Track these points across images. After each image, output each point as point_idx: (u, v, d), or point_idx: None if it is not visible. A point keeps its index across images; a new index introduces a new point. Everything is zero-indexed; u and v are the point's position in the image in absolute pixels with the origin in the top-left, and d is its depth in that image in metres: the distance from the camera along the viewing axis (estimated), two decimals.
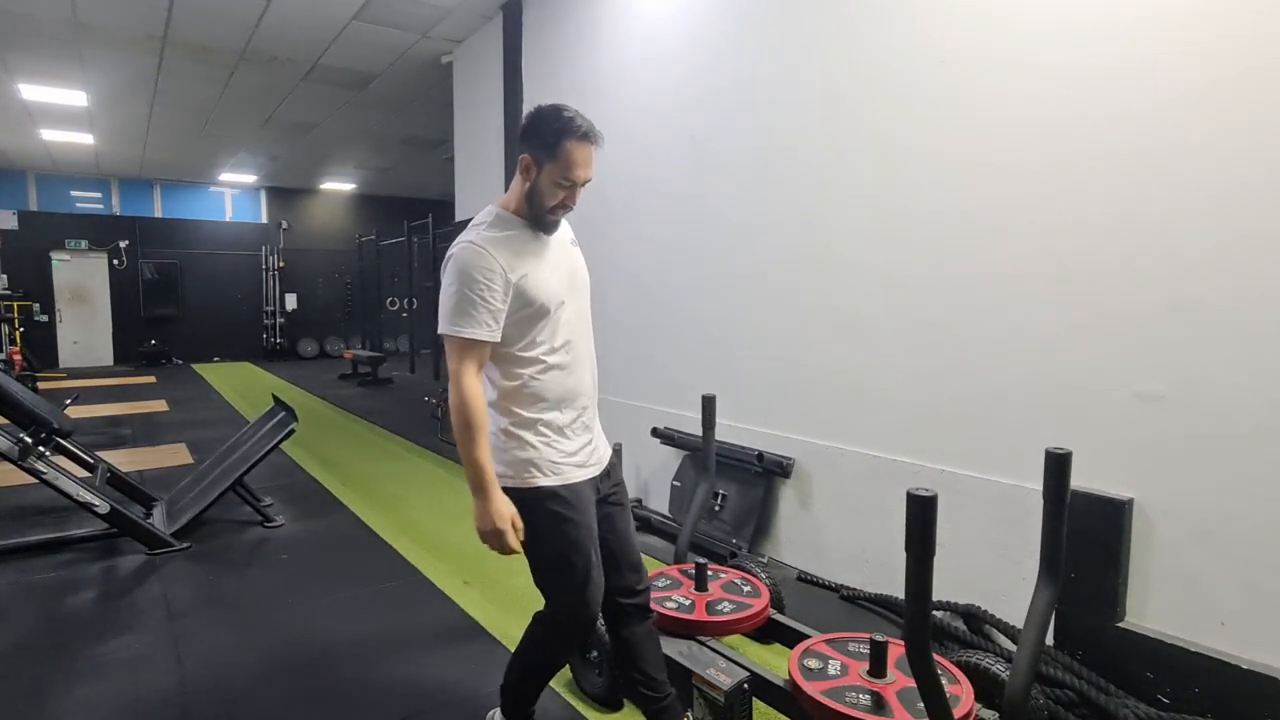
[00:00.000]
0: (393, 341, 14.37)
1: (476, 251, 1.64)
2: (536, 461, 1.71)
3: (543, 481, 1.71)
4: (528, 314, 1.69)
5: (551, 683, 2.35)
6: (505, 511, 1.65)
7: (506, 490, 1.70)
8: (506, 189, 1.79)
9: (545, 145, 1.66)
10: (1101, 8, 2.26)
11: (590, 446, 1.82)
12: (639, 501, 4.32)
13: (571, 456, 1.76)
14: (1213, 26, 2.03)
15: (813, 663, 1.98)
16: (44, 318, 12.49)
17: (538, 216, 1.73)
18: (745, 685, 1.99)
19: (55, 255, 12.63)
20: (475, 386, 1.64)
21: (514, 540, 1.65)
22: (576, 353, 1.78)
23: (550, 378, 1.73)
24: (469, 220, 1.77)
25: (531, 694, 1.96)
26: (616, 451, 4.18)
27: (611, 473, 1.91)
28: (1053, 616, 1.80)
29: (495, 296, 1.63)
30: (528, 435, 1.72)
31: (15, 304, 11.56)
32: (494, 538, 1.65)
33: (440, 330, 1.67)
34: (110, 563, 3.48)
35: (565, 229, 1.89)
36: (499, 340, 1.67)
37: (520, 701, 1.95)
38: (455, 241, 1.71)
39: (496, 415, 1.74)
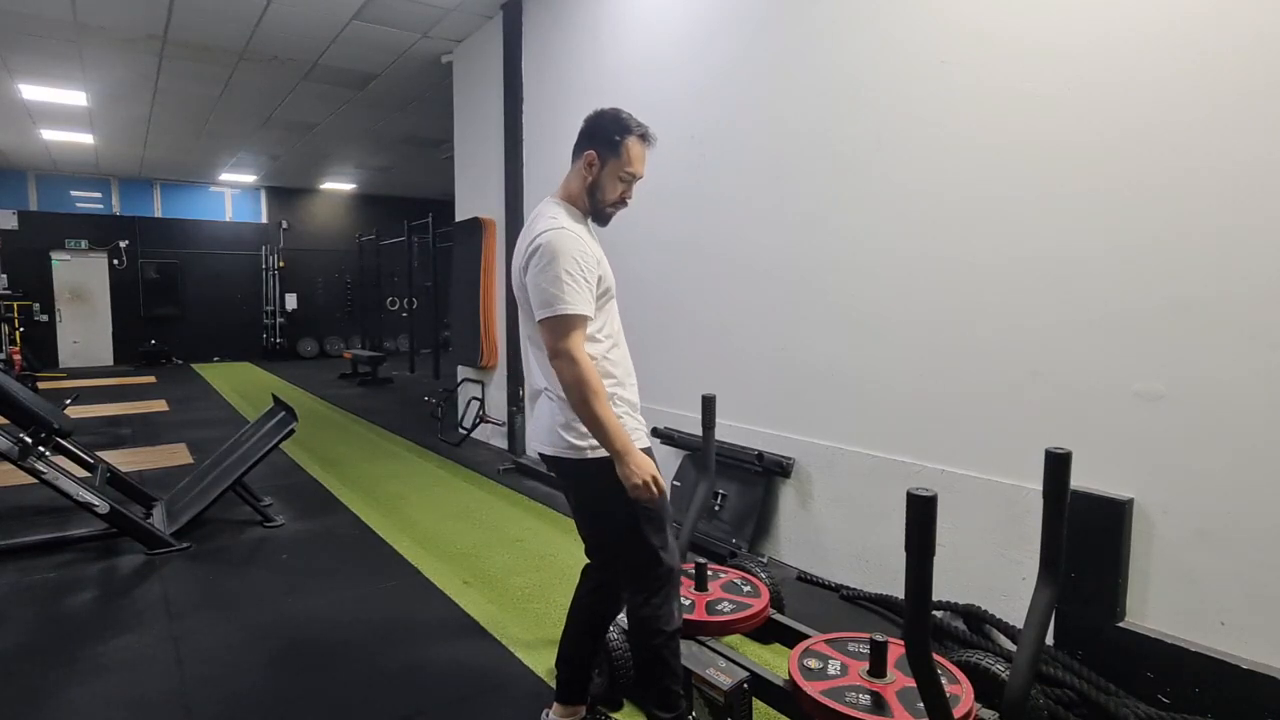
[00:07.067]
0: (393, 341, 14.38)
1: (576, 237, 1.74)
2: None
3: None
4: (602, 297, 1.80)
5: (551, 682, 2.36)
6: (650, 463, 1.71)
7: (589, 461, 1.76)
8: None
9: (609, 142, 1.80)
10: None
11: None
12: None
13: (640, 428, 1.85)
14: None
15: (812, 663, 1.98)
16: (44, 317, 12.49)
17: (597, 210, 1.86)
18: (745, 685, 1.99)
19: (55, 255, 12.64)
20: (586, 356, 1.69)
21: (664, 485, 1.72)
22: (620, 335, 1.90)
23: (616, 354, 1.85)
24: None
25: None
26: None
27: None
28: (1053, 616, 1.80)
29: (593, 277, 1.74)
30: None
31: (15, 304, 11.57)
32: (646, 489, 1.68)
33: (549, 314, 1.68)
34: (110, 563, 3.48)
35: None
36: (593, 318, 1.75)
37: (583, 681, 2.03)
38: (543, 229, 1.75)
39: None
